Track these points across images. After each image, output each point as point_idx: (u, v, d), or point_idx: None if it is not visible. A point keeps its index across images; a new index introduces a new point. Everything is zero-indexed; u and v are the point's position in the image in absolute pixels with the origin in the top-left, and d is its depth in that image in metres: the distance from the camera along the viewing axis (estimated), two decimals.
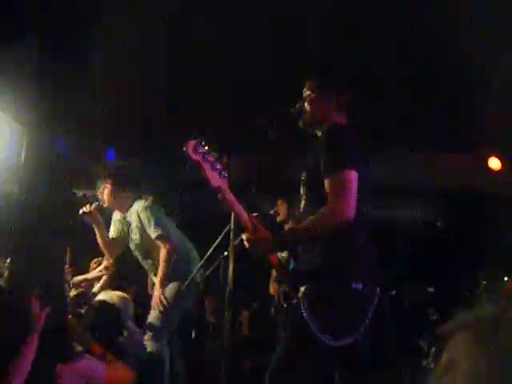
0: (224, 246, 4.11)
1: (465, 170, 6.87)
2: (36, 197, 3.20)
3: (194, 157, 2.55)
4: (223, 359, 3.39)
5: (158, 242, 4.41)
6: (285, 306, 2.73)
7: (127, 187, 4.56)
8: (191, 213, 7.13)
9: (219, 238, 4.26)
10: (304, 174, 2.82)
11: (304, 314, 2.59)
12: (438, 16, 4.58)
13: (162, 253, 4.38)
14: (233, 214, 3.67)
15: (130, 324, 4.29)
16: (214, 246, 4.20)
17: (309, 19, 4.95)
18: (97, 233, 4.57)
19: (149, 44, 5.16)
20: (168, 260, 4.36)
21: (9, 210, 3.70)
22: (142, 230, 4.48)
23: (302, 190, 2.85)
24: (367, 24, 4.88)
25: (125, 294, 4.41)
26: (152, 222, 4.42)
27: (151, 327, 4.34)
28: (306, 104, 2.91)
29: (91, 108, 3.87)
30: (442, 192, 7.15)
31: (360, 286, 2.59)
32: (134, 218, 4.53)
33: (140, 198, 4.62)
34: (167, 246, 4.38)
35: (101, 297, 4.32)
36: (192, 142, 2.55)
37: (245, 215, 2.68)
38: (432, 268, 6.41)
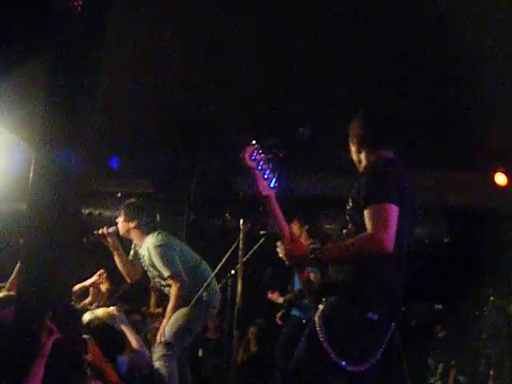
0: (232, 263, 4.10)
1: (471, 187, 6.85)
2: (44, 216, 3.18)
3: (249, 163, 2.55)
4: (233, 378, 3.37)
5: (169, 281, 4.49)
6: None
7: (139, 220, 4.66)
8: (197, 230, 7.12)
9: (226, 256, 4.25)
10: (349, 205, 2.77)
11: (319, 334, 2.57)
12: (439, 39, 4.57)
13: (173, 290, 4.46)
14: (241, 232, 3.68)
15: (136, 341, 4.16)
16: (221, 263, 4.20)
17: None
18: (115, 256, 4.71)
19: (160, 61, 5.16)
20: (177, 298, 4.43)
21: (17, 228, 3.69)
22: (154, 267, 4.57)
23: (347, 219, 2.79)
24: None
25: (110, 309, 4.13)
26: (162, 263, 4.49)
27: (160, 352, 4.37)
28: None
29: (101, 124, 3.87)
30: (449, 209, 7.13)
31: (375, 317, 2.59)
32: (146, 254, 4.62)
33: (153, 231, 4.70)
34: (178, 285, 4.44)
35: (86, 317, 3.98)
36: (250, 148, 2.54)
37: (285, 225, 2.67)
38: (439, 285, 6.37)
